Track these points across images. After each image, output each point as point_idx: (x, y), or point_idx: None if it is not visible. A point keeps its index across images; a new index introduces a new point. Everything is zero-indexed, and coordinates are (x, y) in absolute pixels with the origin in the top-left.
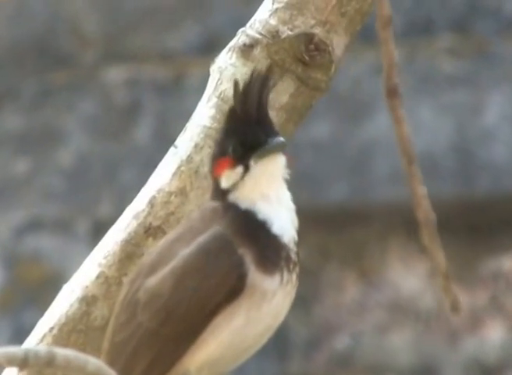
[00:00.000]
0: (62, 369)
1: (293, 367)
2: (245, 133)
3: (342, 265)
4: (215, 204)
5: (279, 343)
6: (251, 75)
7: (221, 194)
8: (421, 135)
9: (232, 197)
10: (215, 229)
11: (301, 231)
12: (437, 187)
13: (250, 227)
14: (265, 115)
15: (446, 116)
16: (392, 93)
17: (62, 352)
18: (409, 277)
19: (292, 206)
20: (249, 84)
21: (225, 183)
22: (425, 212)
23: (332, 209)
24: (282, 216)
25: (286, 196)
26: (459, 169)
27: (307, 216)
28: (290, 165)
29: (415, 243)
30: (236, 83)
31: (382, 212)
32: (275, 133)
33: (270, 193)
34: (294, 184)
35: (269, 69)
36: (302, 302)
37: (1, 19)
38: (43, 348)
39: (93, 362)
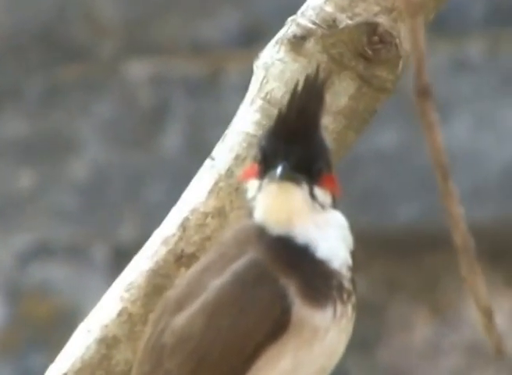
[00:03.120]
0: None
1: None
2: (273, 145)
3: (411, 299)
4: (249, 222)
5: None
6: (311, 75)
7: (248, 206)
8: (505, 144)
9: (257, 215)
10: (251, 255)
11: (364, 259)
12: None
13: (290, 253)
14: (307, 128)
15: None
16: (423, 94)
17: None
18: None
19: (343, 222)
20: (302, 87)
21: (249, 193)
22: (463, 236)
23: (401, 233)
24: (328, 237)
25: (332, 213)
26: None
27: (370, 242)
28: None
29: (500, 273)
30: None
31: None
32: (312, 155)
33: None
34: (355, 204)
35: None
36: (364, 344)
37: None
38: None
39: None
